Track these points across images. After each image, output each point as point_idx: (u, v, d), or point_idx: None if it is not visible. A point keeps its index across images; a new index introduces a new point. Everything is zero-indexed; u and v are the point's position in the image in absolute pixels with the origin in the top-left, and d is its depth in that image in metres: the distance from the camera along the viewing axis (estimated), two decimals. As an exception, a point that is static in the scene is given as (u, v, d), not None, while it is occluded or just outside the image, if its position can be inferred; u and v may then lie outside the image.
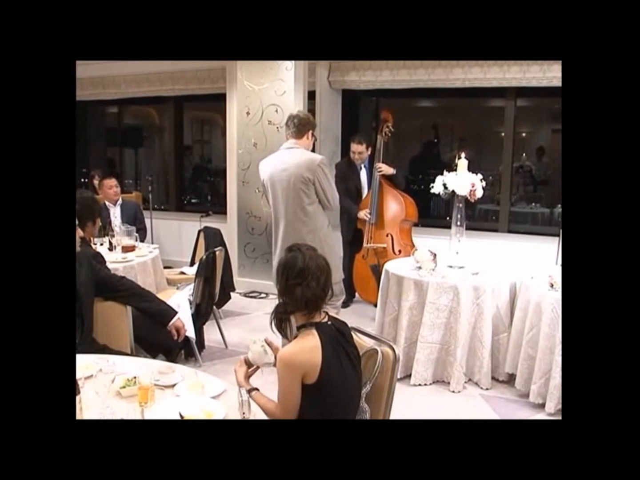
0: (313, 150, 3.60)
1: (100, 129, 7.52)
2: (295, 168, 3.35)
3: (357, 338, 2.01)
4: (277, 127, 5.16)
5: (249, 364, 2.01)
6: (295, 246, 1.95)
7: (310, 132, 3.48)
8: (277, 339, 2.08)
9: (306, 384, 1.80)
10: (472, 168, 3.64)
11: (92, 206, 3.35)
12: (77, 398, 1.60)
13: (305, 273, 1.83)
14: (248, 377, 1.99)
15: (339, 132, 5.75)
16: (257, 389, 1.93)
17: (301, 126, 3.43)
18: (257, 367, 2.01)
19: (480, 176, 3.61)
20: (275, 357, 1.92)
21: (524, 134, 5.83)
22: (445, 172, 3.64)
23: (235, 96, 5.30)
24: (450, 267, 3.64)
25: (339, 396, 1.84)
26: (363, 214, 4.65)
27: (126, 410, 1.70)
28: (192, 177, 7.17)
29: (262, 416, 1.73)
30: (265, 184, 3.52)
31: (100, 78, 6.43)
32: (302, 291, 1.82)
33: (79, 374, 1.80)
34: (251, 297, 5.32)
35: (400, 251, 4.57)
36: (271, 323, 1.95)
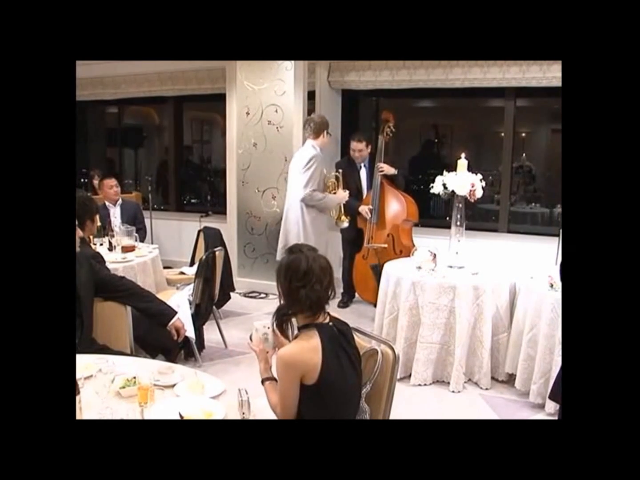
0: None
1: (100, 129, 7.52)
2: (298, 159, 4.22)
3: (357, 338, 2.01)
4: (277, 127, 5.16)
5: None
6: (297, 247, 1.93)
7: (325, 131, 4.24)
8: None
9: (306, 384, 1.79)
10: (471, 168, 3.65)
11: (89, 205, 3.37)
12: (77, 398, 1.60)
13: (310, 276, 1.81)
14: (269, 364, 1.96)
15: (339, 132, 5.74)
16: (274, 379, 1.91)
17: (317, 128, 4.22)
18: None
19: (479, 176, 3.62)
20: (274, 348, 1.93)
21: (523, 134, 5.82)
22: (445, 172, 3.64)
23: (235, 96, 5.30)
24: (450, 267, 3.64)
25: (338, 397, 1.83)
26: (364, 209, 4.64)
27: (126, 411, 1.70)
28: (192, 177, 7.17)
29: (261, 416, 1.73)
30: None
31: (100, 78, 6.43)
32: (306, 294, 1.80)
33: (79, 374, 1.80)
34: (251, 297, 5.32)
35: (401, 251, 4.56)
36: (273, 324, 1.94)
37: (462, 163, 3.61)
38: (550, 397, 2.72)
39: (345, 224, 4.36)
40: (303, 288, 1.81)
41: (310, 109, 5.34)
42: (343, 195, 4.28)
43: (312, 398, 1.81)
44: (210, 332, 4.06)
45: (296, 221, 4.18)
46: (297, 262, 1.84)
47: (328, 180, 4.27)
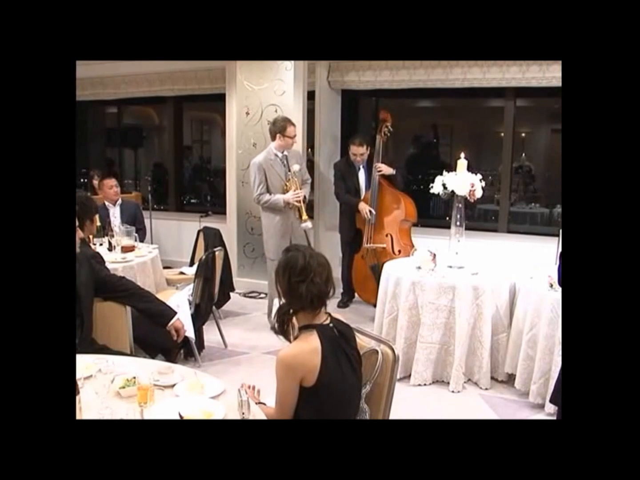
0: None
1: (100, 129, 7.52)
2: None
3: (357, 338, 2.01)
4: (277, 127, 5.16)
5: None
6: (294, 247, 1.95)
7: (278, 134, 4.23)
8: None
9: (304, 386, 1.79)
10: (471, 168, 3.65)
11: (89, 205, 3.38)
12: (77, 398, 1.60)
13: (308, 270, 1.82)
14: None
15: (339, 132, 5.74)
16: (264, 404, 1.93)
17: (271, 130, 4.30)
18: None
19: (479, 176, 3.62)
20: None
21: (523, 134, 5.82)
22: (444, 172, 3.65)
23: (235, 96, 5.30)
24: (450, 267, 3.64)
25: (337, 400, 1.83)
26: (365, 208, 4.62)
27: (125, 411, 1.69)
28: (191, 177, 7.17)
29: (261, 416, 1.73)
30: None
31: (100, 78, 6.43)
32: (307, 288, 1.80)
33: (79, 374, 1.80)
34: (250, 297, 5.32)
35: (399, 251, 4.57)
36: (274, 325, 1.93)
37: (462, 163, 3.61)
38: (551, 401, 2.72)
39: (309, 225, 4.32)
40: (302, 283, 1.81)
41: (310, 108, 5.34)
42: (287, 196, 4.26)
43: (310, 400, 1.80)
44: (210, 332, 4.06)
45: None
46: (295, 259, 1.85)
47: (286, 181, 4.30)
